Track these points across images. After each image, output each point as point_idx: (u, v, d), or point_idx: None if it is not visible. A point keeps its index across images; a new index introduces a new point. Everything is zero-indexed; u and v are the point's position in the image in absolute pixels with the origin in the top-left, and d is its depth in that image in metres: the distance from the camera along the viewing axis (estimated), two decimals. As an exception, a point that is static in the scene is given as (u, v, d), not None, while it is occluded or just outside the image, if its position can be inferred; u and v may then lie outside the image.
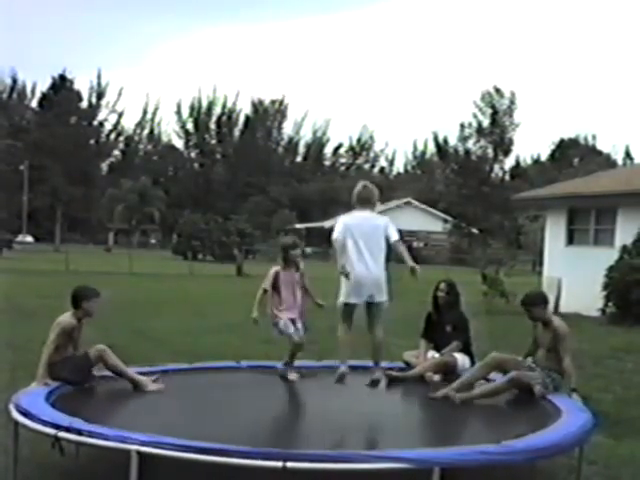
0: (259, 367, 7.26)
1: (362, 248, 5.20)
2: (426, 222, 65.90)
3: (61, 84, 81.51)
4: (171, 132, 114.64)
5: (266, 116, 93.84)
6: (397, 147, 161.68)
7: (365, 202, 5.44)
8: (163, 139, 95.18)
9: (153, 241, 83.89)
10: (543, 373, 5.88)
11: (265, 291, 6.69)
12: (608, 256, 16.45)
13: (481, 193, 53.09)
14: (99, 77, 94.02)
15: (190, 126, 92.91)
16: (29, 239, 68.20)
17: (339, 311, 5.17)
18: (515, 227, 54.25)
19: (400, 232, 5.65)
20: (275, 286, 6.69)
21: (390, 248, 5.51)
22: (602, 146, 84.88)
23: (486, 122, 55.06)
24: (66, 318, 5.82)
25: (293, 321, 6.70)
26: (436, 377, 6.73)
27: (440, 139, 76.91)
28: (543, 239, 22.37)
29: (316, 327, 13.61)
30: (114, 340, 8.13)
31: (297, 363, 7.59)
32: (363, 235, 5.27)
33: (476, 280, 18.70)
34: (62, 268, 29.57)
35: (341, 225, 5.34)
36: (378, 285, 5.14)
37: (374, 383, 6.08)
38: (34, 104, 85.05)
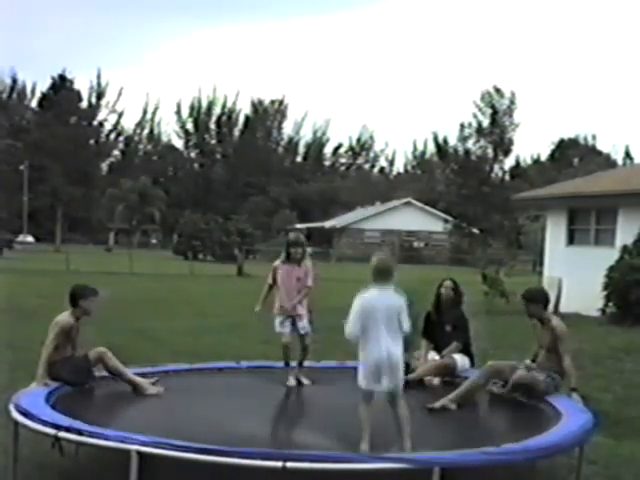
0: (259, 367, 7.25)
1: (378, 331, 4.88)
2: (426, 222, 65.88)
3: (61, 84, 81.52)
4: (171, 132, 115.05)
5: (266, 116, 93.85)
6: (397, 147, 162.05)
7: (385, 275, 5.05)
8: (163, 139, 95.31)
9: (154, 241, 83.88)
10: (543, 373, 5.87)
11: (270, 286, 6.70)
12: (608, 256, 16.44)
13: (481, 193, 53.01)
14: (99, 77, 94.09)
15: (190, 126, 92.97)
16: (30, 239, 68.20)
17: (361, 393, 4.93)
18: (515, 227, 54.21)
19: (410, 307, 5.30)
20: (275, 280, 6.69)
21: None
22: (602, 146, 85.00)
23: (486, 122, 54.96)
24: (64, 317, 5.82)
25: (291, 318, 6.66)
26: (436, 380, 6.73)
27: (440, 139, 77.03)
28: (543, 239, 22.37)
29: (316, 327, 13.60)
30: (114, 340, 8.14)
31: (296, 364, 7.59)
32: (381, 317, 4.90)
33: (476, 280, 18.68)
34: (62, 268, 29.56)
35: (357, 309, 4.99)
36: (397, 370, 4.83)
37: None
38: (34, 104, 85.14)
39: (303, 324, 6.73)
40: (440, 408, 5.85)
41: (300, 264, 6.70)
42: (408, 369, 6.97)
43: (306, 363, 7.48)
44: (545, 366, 5.93)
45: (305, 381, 6.70)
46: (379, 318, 4.85)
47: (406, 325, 4.93)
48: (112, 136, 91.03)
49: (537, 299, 6.09)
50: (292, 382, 6.60)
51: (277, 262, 6.79)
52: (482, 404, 6.01)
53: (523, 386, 5.80)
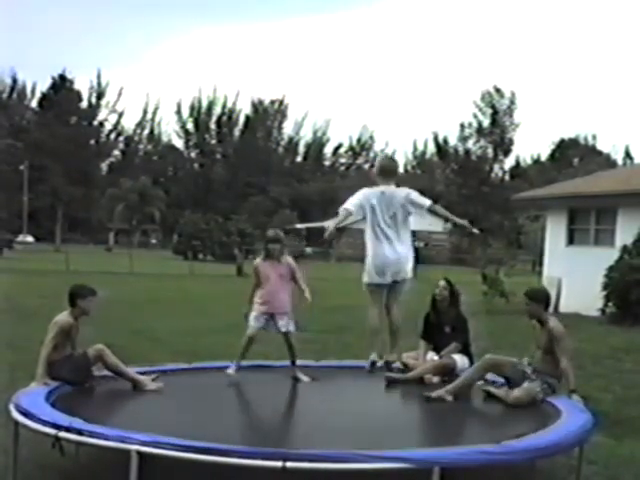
0: (259, 367, 7.25)
1: (387, 226, 4.84)
2: (426, 222, 65.75)
3: (61, 84, 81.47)
4: (171, 132, 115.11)
5: (266, 116, 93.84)
6: (397, 147, 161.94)
7: (390, 174, 5.04)
8: (163, 139, 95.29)
9: (153, 241, 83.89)
10: (539, 380, 5.85)
11: (255, 285, 6.65)
12: (608, 256, 16.45)
13: (481, 193, 53.10)
14: (99, 77, 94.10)
15: (190, 126, 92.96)
16: (29, 239, 68.22)
17: (366, 292, 4.92)
18: (515, 227, 54.25)
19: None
20: (258, 279, 6.64)
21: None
22: (602, 146, 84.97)
23: (486, 122, 55.09)
24: (63, 317, 5.83)
25: (273, 315, 6.61)
26: (435, 379, 6.72)
27: (440, 139, 76.77)
28: (543, 239, 22.37)
29: (315, 327, 13.62)
30: (114, 340, 8.13)
31: (298, 363, 7.58)
32: (388, 211, 4.86)
33: (476, 280, 18.70)
34: (62, 268, 29.56)
35: (360, 197, 4.92)
36: (402, 264, 4.81)
37: (388, 364, 5.91)
38: (34, 104, 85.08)
39: (285, 322, 6.64)
40: (436, 398, 5.87)
41: (280, 260, 6.66)
42: (407, 369, 6.99)
43: (306, 362, 7.48)
44: (542, 368, 5.91)
45: (304, 378, 6.67)
46: (381, 215, 4.83)
47: (426, 202, 4.86)
48: (112, 136, 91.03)
49: (539, 299, 6.08)
50: (231, 372, 6.52)
51: (257, 260, 6.73)
52: (481, 403, 6.01)
53: (523, 404, 5.76)
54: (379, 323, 4.85)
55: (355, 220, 5.30)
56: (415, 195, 4.97)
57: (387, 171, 5.00)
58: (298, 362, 6.95)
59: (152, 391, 5.94)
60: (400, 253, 4.80)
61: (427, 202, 5.01)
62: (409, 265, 4.87)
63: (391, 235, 4.81)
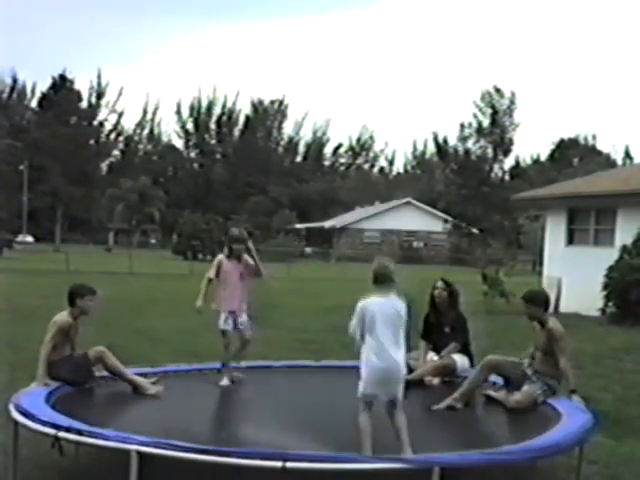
0: (258, 367, 7.25)
1: (385, 341, 4.80)
2: (426, 222, 65.87)
3: (61, 84, 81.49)
4: (171, 132, 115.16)
5: (266, 116, 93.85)
6: (397, 147, 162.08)
7: (385, 281, 4.97)
8: (163, 139, 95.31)
9: (153, 241, 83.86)
10: (539, 382, 5.85)
11: (210, 280, 6.61)
12: (608, 256, 16.44)
13: (481, 193, 53.06)
14: (99, 77, 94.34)
15: (190, 126, 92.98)
16: (29, 239, 68.20)
17: (361, 401, 4.86)
18: (515, 227, 54.24)
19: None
20: (219, 275, 6.62)
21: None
22: (602, 146, 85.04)
23: (486, 122, 55.03)
24: (62, 317, 5.82)
25: (234, 314, 6.61)
26: (436, 380, 6.72)
27: (440, 139, 77.04)
28: (543, 239, 22.37)
29: (315, 327, 13.61)
30: (114, 340, 8.14)
31: (297, 363, 7.60)
32: (386, 325, 4.82)
33: (476, 280, 18.69)
34: (62, 268, 29.55)
35: (359, 314, 4.92)
36: (399, 380, 4.76)
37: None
38: (34, 104, 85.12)
39: (243, 319, 6.67)
40: (446, 408, 5.83)
41: (240, 260, 6.67)
42: (408, 370, 6.98)
43: (306, 362, 7.49)
44: (542, 369, 5.91)
45: (240, 376, 6.64)
46: (382, 326, 4.78)
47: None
48: (112, 136, 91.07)
49: (537, 301, 6.05)
50: (226, 382, 6.48)
51: (221, 256, 6.71)
52: (482, 405, 6.00)
53: (525, 406, 5.75)
54: (370, 427, 4.77)
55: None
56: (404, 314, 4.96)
57: (382, 278, 4.93)
58: (298, 362, 6.95)
59: (152, 395, 5.92)
60: (400, 366, 4.75)
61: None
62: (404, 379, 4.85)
63: (391, 346, 4.77)
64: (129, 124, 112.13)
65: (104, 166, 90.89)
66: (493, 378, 6.25)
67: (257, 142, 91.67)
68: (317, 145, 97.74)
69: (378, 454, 4.12)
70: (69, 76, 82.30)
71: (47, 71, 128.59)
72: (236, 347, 6.72)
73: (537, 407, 5.68)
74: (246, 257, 6.71)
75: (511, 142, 55.78)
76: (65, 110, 79.01)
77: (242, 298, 6.69)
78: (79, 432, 4.34)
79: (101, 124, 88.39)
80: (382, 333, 4.70)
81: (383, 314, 4.74)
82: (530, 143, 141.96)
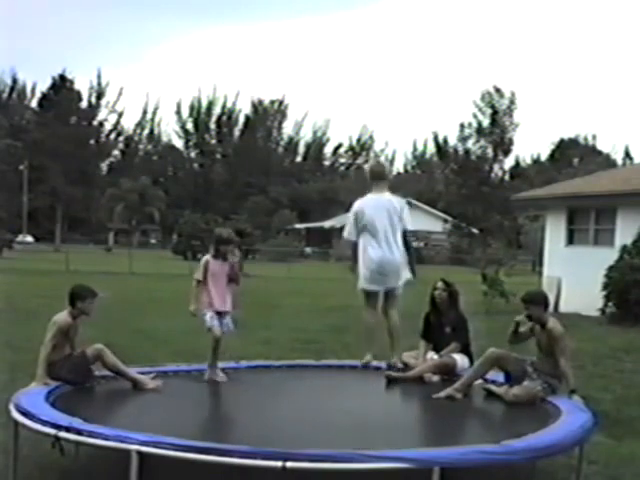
0: (258, 367, 7.25)
1: (381, 233, 4.89)
2: (426, 222, 65.81)
3: (61, 84, 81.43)
4: (171, 132, 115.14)
5: (266, 116, 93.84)
6: (397, 147, 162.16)
7: (380, 177, 5.11)
8: (163, 139, 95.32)
9: (153, 241, 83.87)
10: (540, 380, 5.85)
11: (198, 282, 6.59)
12: (608, 256, 16.45)
13: (481, 193, 52.98)
14: (99, 77, 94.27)
15: (190, 126, 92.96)
16: (29, 239, 68.19)
17: (361, 296, 4.97)
18: (515, 227, 54.21)
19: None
20: (205, 276, 6.59)
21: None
22: (602, 146, 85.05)
23: (486, 122, 54.95)
24: (62, 317, 5.82)
25: (220, 314, 6.60)
26: (435, 378, 6.73)
27: (440, 139, 76.92)
28: (543, 239, 22.37)
29: (314, 327, 13.61)
30: (114, 340, 8.14)
31: (298, 363, 7.60)
32: (381, 219, 4.93)
33: (476, 280, 18.69)
34: (62, 268, 29.56)
35: (352, 218, 5.01)
36: (396, 271, 4.90)
37: (390, 368, 5.90)
38: (34, 104, 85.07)
39: (227, 321, 6.65)
40: (446, 397, 5.88)
41: (226, 259, 6.67)
42: (407, 368, 6.99)
43: (307, 362, 7.49)
44: (542, 369, 5.91)
45: (221, 377, 6.63)
46: (377, 219, 4.86)
47: (408, 224, 4.95)
48: (112, 136, 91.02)
49: (537, 301, 6.06)
50: (222, 377, 6.50)
51: (207, 257, 6.68)
52: (481, 402, 6.01)
53: (525, 401, 5.76)
54: (374, 324, 4.89)
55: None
56: (406, 213, 5.03)
57: (377, 175, 5.05)
58: (298, 362, 6.95)
59: (152, 391, 5.94)
60: (397, 257, 4.85)
61: (408, 226, 5.07)
62: (404, 270, 4.92)
63: (387, 243, 4.85)
64: (129, 124, 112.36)
65: (104, 166, 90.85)
66: (494, 376, 6.25)
67: (257, 142, 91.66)
68: (317, 145, 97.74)
69: (378, 450, 4.11)
70: (69, 76, 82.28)
71: (47, 71, 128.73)
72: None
73: (536, 403, 5.69)
74: (232, 258, 6.71)
75: (511, 142, 55.69)
76: (65, 110, 78.97)
77: (228, 299, 6.67)
78: (79, 432, 4.34)
79: (101, 124, 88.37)
80: (377, 226, 4.75)
81: (377, 208, 4.82)
82: (530, 143, 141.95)
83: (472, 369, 6.25)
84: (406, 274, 4.89)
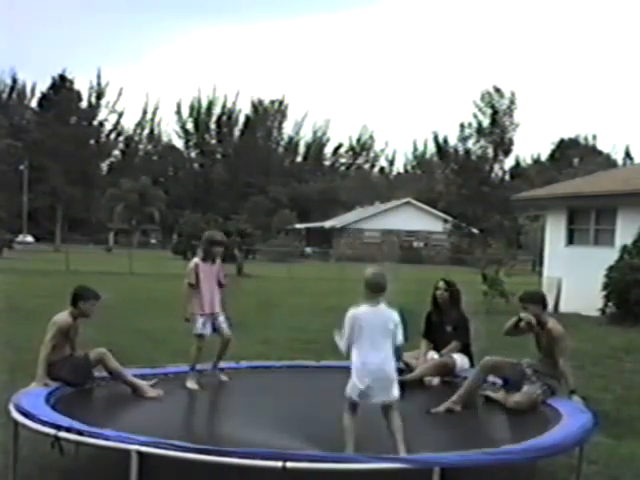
0: (258, 367, 7.25)
1: (375, 345, 4.90)
2: (426, 222, 65.89)
3: (61, 84, 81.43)
4: (171, 132, 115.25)
5: (266, 116, 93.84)
6: (397, 147, 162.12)
7: (381, 290, 5.06)
8: (163, 139, 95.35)
9: (153, 241, 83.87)
10: (539, 382, 5.84)
11: (191, 285, 6.55)
12: (608, 256, 16.44)
13: (481, 193, 52.98)
14: (99, 77, 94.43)
15: (190, 126, 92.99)
16: (29, 239, 68.20)
17: (347, 402, 4.92)
18: (515, 227, 54.21)
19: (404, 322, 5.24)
20: (196, 279, 6.56)
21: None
22: (602, 146, 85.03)
23: (486, 122, 54.95)
24: (62, 317, 5.82)
25: (212, 316, 6.58)
26: (435, 380, 6.72)
27: (440, 139, 76.85)
28: (543, 239, 22.37)
29: (314, 327, 13.60)
30: (114, 340, 8.15)
31: (298, 363, 7.60)
32: (374, 332, 4.92)
33: (476, 280, 18.68)
34: (62, 268, 29.56)
35: (350, 323, 4.99)
36: (390, 383, 4.82)
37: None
38: (34, 104, 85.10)
39: (220, 321, 6.64)
40: (445, 411, 5.81)
41: (215, 262, 6.66)
42: (408, 368, 6.98)
43: (307, 362, 7.48)
44: (542, 369, 5.90)
45: (223, 378, 6.61)
46: (372, 334, 4.83)
47: (400, 339, 4.92)
48: (112, 136, 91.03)
49: (535, 300, 6.05)
50: (194, 386, 6.37)
51: (196, 260, 6.65)
52: (482, 405, 6.00)
53: (525, 407, 5.74)
54: (354, 424, 4.84)
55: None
56: (398, 328, 5.00)
57: (377, 288, 5.01)
58: (299, 362, 6.94)
59: (152, 398, 5.92)
60: (386, 369, 4.80)
61: (399, 340, 5.03)
62: (395, 382, 4.86)
63: (378, 352, 4.84)
64: (129, 124, 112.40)
65: (104, 166, 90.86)
66: (492, 379, 6.24)
67: (257, 142, 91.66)
68: (317, 145, 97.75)
69: (375, 454, 4.11)
70: (69, 76, 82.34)
71: (47, 71, 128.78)
72: (218, 348, 6.67)
73: (537, 407, 5.68)
74: (218, 260, 6.71)
75: (511, 142, 55.70)
76: (65, 110, 78.97)
77: (219, 300, 6.65)
78: (79, 432, 4.34)
79: (101, 124, 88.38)
80: (373, 342, 4.75)
81: (374, 324, 4.80)
82: (530, 143, 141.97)
83: (468, 380, 6.14)
84: (395, 390, 4.85)
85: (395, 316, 4.88)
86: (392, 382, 4.79)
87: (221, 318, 6.64)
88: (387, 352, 4.80)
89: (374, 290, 4.90)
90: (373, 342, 4.77)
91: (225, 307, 6.68)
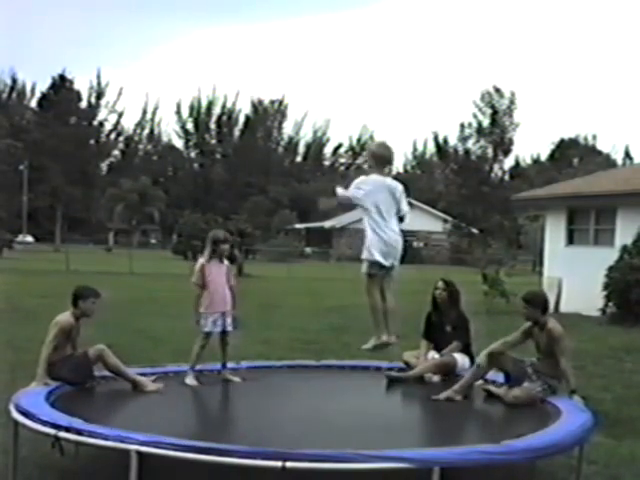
0: (259, 367, 7.25)
1: (385, 213, 5.31)
2: (426, 222, 65.84)
3: (61, 84, 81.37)
4: (171, 132, 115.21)
5: (266, 116, 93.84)
6: (397, 147, 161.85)
7: (388, 162, 5.41)
8: (163, 139, 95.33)
9: (153, 241, 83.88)
10: (540, 381, 5.85)
11: (198, 286, 6.54)
12: (608, 256, 16.45)
13: (481, 193, 53.02)
14: (99, 77, 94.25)
15: (190, 126, 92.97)
16: (29, 239, 68.20)
17: (367, 270, 5.24)
18: (515, 227, 54.22)
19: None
20: (203, 280, 6.55)
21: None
22: (602, 146, 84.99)
23: (486, 122, 55.00)
24: (65, 317, 5.82)
25: (223, 315, 6.57)
26: (435, 378, 6.73)
27: (440, 139, 76.87)
28: (543, 239, 22.37)
29: (314, 327, 13.60)
30: (115, 340, 8.14)
31: (298, 363, 7.60)
32: (386, 200, 5.32)
33: (476, 280, 18.69)
34: (62, 268, 29.57)
35: (368, 186, 5.29)
36: (399, 250, 5.33)
37: (384, 346, 5.78)
38: (34, 104, 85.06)
39: (230, 320, 6.62)
40: (445, 399, 5.88)
41: (222, 261, 6.66)
42: (409, 367, 6.98)
43: (307, 362, 7.49)
44: (542, 369, 5.91)
45: (236, 379, 6.59)
46: (383, 200, 5.19)
47: (405, 208, 5.29)
48: (112, 136, 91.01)
49: (535, 302, 6.05)
50: (193, 382, 6.38)
51: (203, 260, 6.63)
52: (481, 403, 6.01)
53: (524, 402, 5.76)
54: (380, 304, 5.23)
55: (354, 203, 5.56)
56: (404, 196, 5.47)
57: (385, 160, 5.35)
58: (298, 362, 6.94)
59: (152, 392, 5.93)
60: (399, 238, 5.29)
61: (405, 210, 5.47)
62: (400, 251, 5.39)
63: (392, 221, 5.32)
64: (129, 124, 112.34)
65: (104, 166, 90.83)
66: (494, 376, 6.25)
67: (257, 142, 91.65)
68: (317, 145, 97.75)
69: (378, 450, 4.11)
70: (69, 76, 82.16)
71: (47, 71, 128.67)
72: (221, 347, 6.68)
73: (536, 404, 5.69)
74: (226, 261, 6.71)
75: (511, 142, 55.75)
76: (65, 110, 78.93)
77: (228, 298, 6.65)
78: (79, 432, 4.33)
79: (101, 124, 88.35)
80: (384, 209, 5.08)
81: (385, 191, 5.12)
82: (530, 143, 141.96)
83: (471, 370, 6.24)
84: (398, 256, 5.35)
85: (400, 186, 5.25)
86: (400, 247, 5.16)
87: (229, 319, 6.64)
88: (396, 220, 5.14)
89: (383, 162, 5.19)
90: (384, 213, 5.12)
91: (235, 306, 6.68)
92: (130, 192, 70.61)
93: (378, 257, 5.25)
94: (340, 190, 5.42)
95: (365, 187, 5.30)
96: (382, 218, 5.30)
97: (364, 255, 5.35)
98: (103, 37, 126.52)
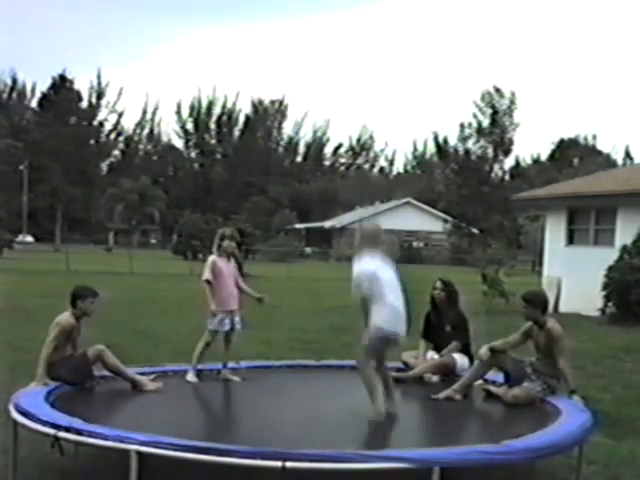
0: (259, 367, 7.25)
1: (391, 287, 5.33)
2: (426, 222, 65.87)
3: (61, 84, 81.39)
4: (171, 132, 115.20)
5: (266, 116, 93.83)
6: (397, 147, 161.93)
7: (379, 243, 5.45)
8: (163, 139, 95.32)
9: (153, 241, 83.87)
10: (539, 381, 5.86)
11: (209, 282, 6.55)
12: (608, 256, 16.44)
13: (481, 193, 53.05)
14: (99, 77, 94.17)
15: (190, 126, 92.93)
16: (29, 239, 68.19)
17: (375, 343, 5.22)
18: (515, 227, 54.23)
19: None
20: (213, 276, 6.57)
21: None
22: (602, 146, 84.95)
23: (486, 122, 55.02)
24: (65, 317, 5.82)
25: (231, 313, 6.60)
26: (435, 378, 6.73)
27: (440, 139, 76.88)
28: (543, 239, 22.37)
29: (314, 327, 13.59)
30: (114, 340, 8.15)
31: (298, 363, 7.60)
32: (389, 277, 5.34)
33: (476, 280, 18.69)
34: (62, 268, 29.56)
35: (370, 278, 5.28)
36: (404, 321, 5.35)
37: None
38: (34, 104, 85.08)
39: (238, 319, 6.65)
40: (444, 399, 5.90)
41: (230, 259, 6.67)
42: (408, 367, 6.98)
43: (307, 362, 7.49)
44: (541, 369, 5.91)
45: (235, 379, 6.60)
46: (387, 278, 5.24)
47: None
48: (112, 136, 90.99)
49: (535, 302, 6.05)
50: (194, 379, 6.42)
51: (213, 257, 6.65)
52: (481, 403, 6.01)
53: (524, 401, 5.76)
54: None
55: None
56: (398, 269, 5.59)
57: (375, 240, 5.42)
58: (298, 362, 6.93)
59: (151, 391, 5.94)
60: (403, 309, 5.35)
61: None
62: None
63: (397, 293, 5.38)
64: (129, 124, 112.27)
65: (104, 166, 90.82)
66: (494, 376, 6.25)
67: (257, 142, 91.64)
68: (317, 145, 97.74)
69: (378, 450, 4.11)
70: (69, 76, 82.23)
71: (47, 71, 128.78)
72: (224, 346, 6.68)
73: (536, 404, 5.69)
74: (233, 260, 6.73)
75: (511, 142, 55.78)
76: (65, 110, 78.94)
77: (237, 296, 6.67)
78: (79, 432, 4.33)
79: (101, 124, 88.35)
80: (389, 284, 5.14)
81: (384, 271, 5.19)
82: (530, 143, 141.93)
83: (471, 370, 6.25)
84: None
85: (393, 263, 5.37)
86: (405, 320, 5.28)
87: (237, 318, 6.65)
88: (400, 300, 5.28)
89: (373, 242, 5.27)
90: (391, 285, 5.19)
91: (242, 306, 6.69)
92: (130, 192, 70.59)
93: (386, 325, 5.29)
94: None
95: (368, 283, 5.34)
96: (389, 291, 5.32)
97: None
98: (103, 37, 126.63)
